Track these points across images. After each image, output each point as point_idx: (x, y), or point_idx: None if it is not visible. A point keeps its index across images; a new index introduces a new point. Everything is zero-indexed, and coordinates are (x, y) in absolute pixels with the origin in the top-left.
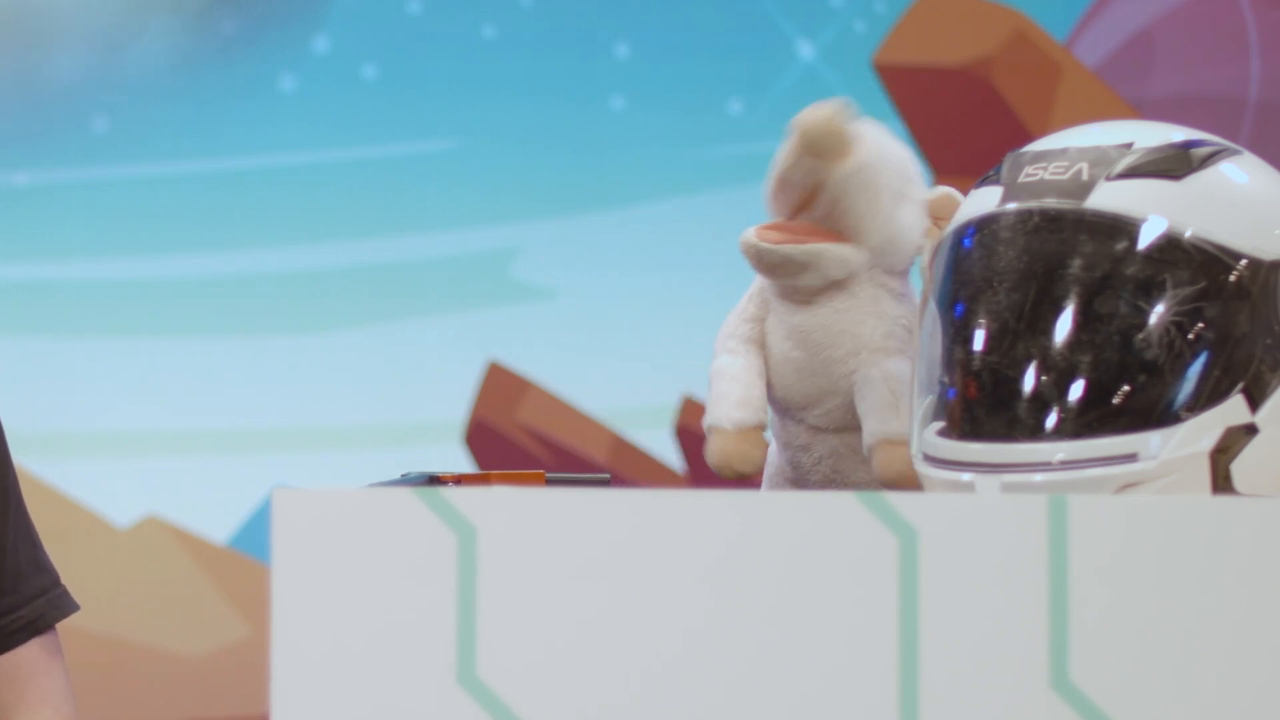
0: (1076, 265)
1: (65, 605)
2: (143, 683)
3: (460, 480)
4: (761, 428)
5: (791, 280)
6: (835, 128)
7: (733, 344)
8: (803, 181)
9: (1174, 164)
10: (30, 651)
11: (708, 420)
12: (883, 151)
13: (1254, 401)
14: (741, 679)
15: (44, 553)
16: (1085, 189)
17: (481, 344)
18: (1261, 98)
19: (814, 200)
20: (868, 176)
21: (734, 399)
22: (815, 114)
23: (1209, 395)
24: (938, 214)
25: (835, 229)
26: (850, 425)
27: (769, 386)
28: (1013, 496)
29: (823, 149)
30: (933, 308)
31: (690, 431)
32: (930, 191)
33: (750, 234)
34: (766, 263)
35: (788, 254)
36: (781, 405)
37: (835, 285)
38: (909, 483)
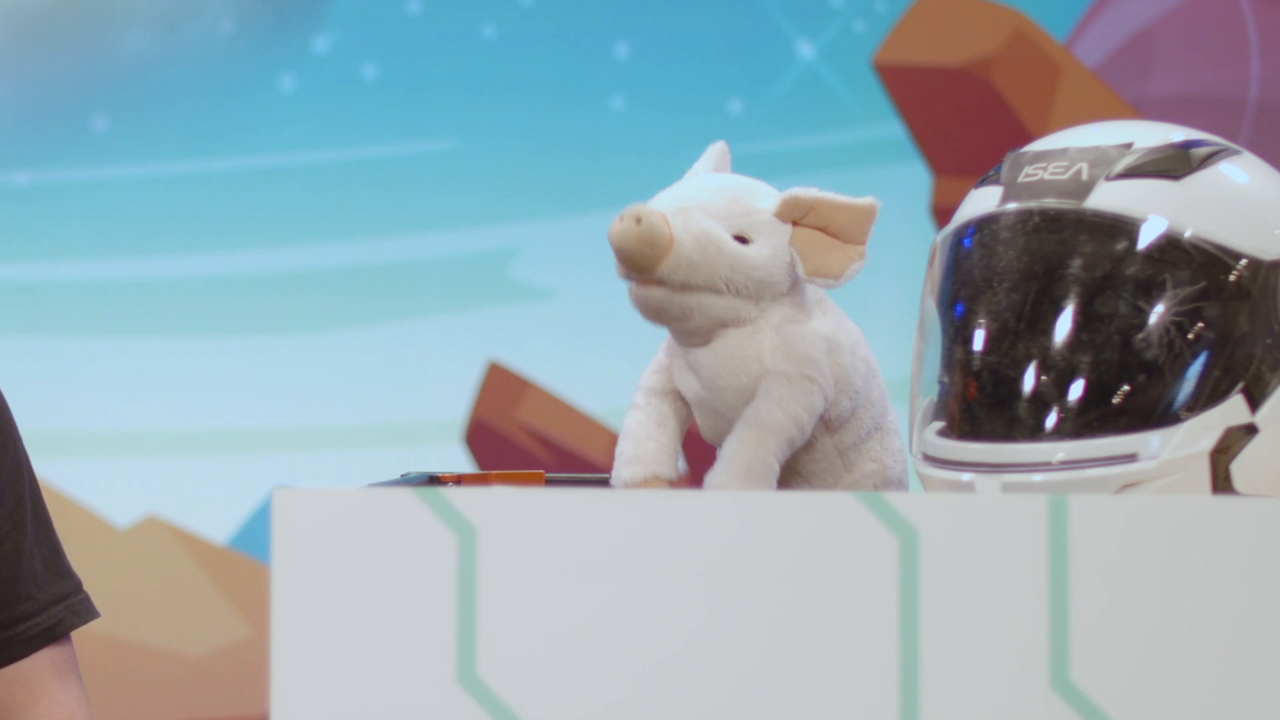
0: (1076, 265)
1: (85, 612)
2: (143, 683)
3: (460, 480)
4: (655, 479)
5: (679, 325)
6: (641, 244)
7: (639, 398)
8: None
9: (1174, 164)
10: (44, 660)
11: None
12: (700, 218)
13: (1254, 401)
14: (741, 678)
15: (65, 559)
16: (1085, 189)
17: (481, 344)
18: (1261, 98)
19: (658, 274)
20: (693, 259)
21: (625, 457)
22: (620, 233)
23: (1209, 395)
24: (791, 217)
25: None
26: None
27: (700, 427)
28: (1013, 496)
29: (640, 262)
30: (932, 307)
31: (690, 432)
32: (776, 200)
33: (632, 284)
34: (646, 311)
35: (660, 304)
36: (713, 443)
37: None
38: None
